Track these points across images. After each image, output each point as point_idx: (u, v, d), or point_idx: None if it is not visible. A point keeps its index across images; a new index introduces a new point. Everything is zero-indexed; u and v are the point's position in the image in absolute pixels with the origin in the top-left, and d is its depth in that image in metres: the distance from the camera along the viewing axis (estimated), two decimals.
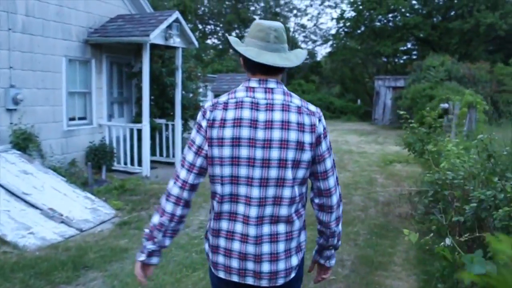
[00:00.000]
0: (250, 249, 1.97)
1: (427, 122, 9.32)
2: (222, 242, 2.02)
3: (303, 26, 44.60)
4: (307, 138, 1.97)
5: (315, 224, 2.29)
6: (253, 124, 1.94)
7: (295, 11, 43.40)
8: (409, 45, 38.91)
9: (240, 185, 1.96)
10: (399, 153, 14.72)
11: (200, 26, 45.82)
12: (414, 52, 39.15)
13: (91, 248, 5.35)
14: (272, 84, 2.02)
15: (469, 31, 32.37)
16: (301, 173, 2.00)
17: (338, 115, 33.86)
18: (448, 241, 2.88)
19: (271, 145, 1.93)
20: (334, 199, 2.11)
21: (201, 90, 12.47)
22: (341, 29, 39.32)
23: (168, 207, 2.05)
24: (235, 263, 2.00)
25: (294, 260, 2.05)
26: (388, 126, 27.86)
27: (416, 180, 8.47)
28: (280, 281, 2.02)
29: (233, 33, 45.86)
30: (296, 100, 2.03)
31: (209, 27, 47.30)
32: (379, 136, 21.62)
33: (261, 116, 1.95)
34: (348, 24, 38.14)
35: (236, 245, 1.99)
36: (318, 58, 46.45)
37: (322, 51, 71.36)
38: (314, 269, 2.36)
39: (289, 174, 1.96)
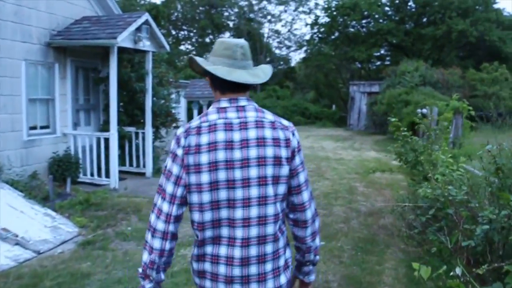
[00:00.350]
0: (236, 271, 1.92)
1: (421, 129, 8.89)
2: (208, 267, 1.97)
3: (277, 32, 44.32)
4: (284, 152, 1.96)
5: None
6: (229, 145, 1.91)
7: (269, 17, 43.04)
8: (382, 51, 39.05)
9: (221, 209, 1.91)
10: (378, 159, 14.50)
11: (173, 32, 45.31)
12: (388, 58, 39.32)
13: (48, 274, 4.77)
14: (243, 102, 1.99)
15: (441, 37, 32.65)
16: (281, 188, 1.97)
17: (313, 121, 33.60)
18: (458, 270, 2.44)
19: (249, 164, 1.90)
20: (309, 213, 2.08)
21: (173, 96, 11.92)
22: (315, 35, 39.22)
23: (156, 243, 1.96)
24: (222, 287, 1.94)
25: (283, 279, 2.02)
26: (364, 132, 27.73)
27: (400, 190, 8.13)
28: None
29: (207, 39, 45.55)
30: (269, 116, 2.01)
31: (182, 32, 46.76)
32: (355, 142, 21.37)
33: (236, 136, 1.92)
34: (322, 29, 38.09)
35: (222, 269, 1.93)
36: (293, 64, 46.32)
37: (296, 56, 71.49)
38: (296, 284, 2.30)
39: (270, 191, 1.93)
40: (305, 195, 2.06)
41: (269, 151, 1.92)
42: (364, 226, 6.99)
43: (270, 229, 1.95)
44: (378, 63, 40.49)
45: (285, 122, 2.04)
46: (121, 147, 9.56)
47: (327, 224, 6.96)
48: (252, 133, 1.93)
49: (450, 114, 9.93)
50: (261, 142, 1.92)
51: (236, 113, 1.96)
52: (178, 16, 45.56)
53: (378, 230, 6.74)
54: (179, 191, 1.93)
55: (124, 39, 8.67)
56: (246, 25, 41.49)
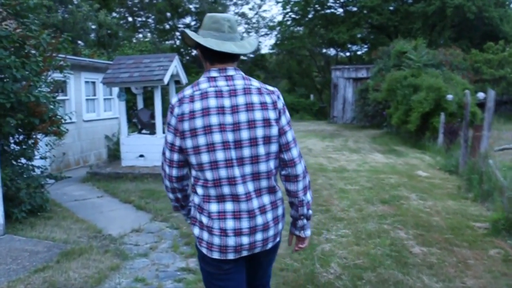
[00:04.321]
0: (245, 223, 2.10)
1: None
2: (215, 223, 2.10)
3: (243, 15, 39.40)
4: (272, 114, 2.10)
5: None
6: (220, 110, 2.06)
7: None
8: (359, 35, 34.58)
9: (219, 169, 2.06)
10: (393, 167, 9.96)
11: (130, 19, 40.34)
12: (366, 42, 34.99)
13: None
14: (231, 72, 2.14)
15: (433, 15, 28.44)
16: (273, 147, 2.13)
17: (289, 113, 28.95)
18: None
19: (240, 127, 2.05)
20: (299, 168, 2.21)
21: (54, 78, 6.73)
22: (287, 15, 34.48)
23: (170, 195, 2.32)
24: (231, 241, 2.10)
25: (280, 226, 2.23)
26: (352, 125, 23.28)
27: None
28: (270, 245, 2.21)
29: (167, 25, 40.73)
30: (255, 83, 2.17)
31: (140, 19, 41.77)
32: (348, 140, 16.81)
33: (226, 102, 2.07)
34: (295, 9, 33.43)
35: (230, 223, 2.09)
36: (263, 51, 41.57)
37: (267, 42, 66.86)
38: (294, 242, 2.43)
39: (261, 150, 2.09)
40: (294, 152, 2.19)
41: (258, 115, 2.07)
42: None
43: (264, 183, 2.14)
44: (354, 47, 36.39)
45: (270, 88, 2.20)
46: None
47: None
48: (241, 99, 2.08)
49: None
50: (250, 107, 2.08)
51: (225, 82, 2.11)
52: (135, 1, 40.68)
53: None
54: (175, 156, 2.14)
55: None
56: (209, 8, 36.48)
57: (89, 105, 11.33)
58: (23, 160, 5.89)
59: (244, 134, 2.05)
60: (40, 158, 6.19)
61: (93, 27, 27.13)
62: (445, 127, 12.68)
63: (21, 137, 5.67)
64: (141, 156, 9.22)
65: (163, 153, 2.20)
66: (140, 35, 40.24)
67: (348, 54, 37.64)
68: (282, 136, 2.14)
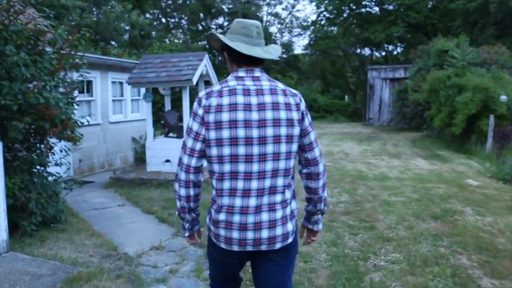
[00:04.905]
0: (250, 219, 2.15)
1: None
2: (222, 217, 2.19)
3: (276, 15, 38.63)
4: (295, 115, 2.19)
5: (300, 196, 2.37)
6: (247, 107, 2.14)
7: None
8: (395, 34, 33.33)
9: (239, 163, 2.13)
10: (439, 174, 9.07)
11: (163, 20, 40.35)
12: (399, 43, 33.68)
13: None
14: (257, 73, 2.24)
15: (475, 11, 27.08)
16: (294, 146, 2.21)
17: (323, 115, 28.11)
18: None
19: (266, 124, 2.13)
20: (321, 167, 2.34)
21: (73, 78, 6.13)
22: (321, 15, 33.53)
23: (182, 191, 2.25)
24: (235, 234, 2.17)
25: (290, 226, 2.23)
26: (389, 128, 22.26)
27: None
28: (278, 245, 2.21)
29: (199, 26, 40.43)
30: (280, 85, 2.26)
31: (173, 20, 41.77)
32: (386, 143, 15.90)
33: (253, 100, 2.16)
34: (330, 8, 32.47)
35: (237, 218, 2.16)
36: (296, 52, 40.73)
37: (300, 42, 65.90)
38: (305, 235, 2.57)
39: (283, 148, 2.16)
40: (317, 151, 2.31)
41: (283, 114, 2.16)
42: None
43: (280, 181, 2.19)
44: (390, 47, 35.17)
45: (293, 90, 2.29)
46: None
47: None
48: (268, 98, 2.17)
49: None
50: (275, 106, 2.16)
51: (252, 82, 2.20)
52: (168, 2, 40.65)
53: None
54: (198, 145, 2.18)
55: None
56: (242, 8, 35.91)
57: (116, 106, 10.85)
58: (36, 167, 5.37)
59: (269, 131, 2.13)
60: (55, 165, 5.65)
61: (126, 28, 26.98)
62: (495, 131, 11.66)
63: (32, 142, 5.13)
64: (167, 161, 8.64)
65: (184, 144, 2.23)
66: (176, 39, 40.14)
67: (383, 54, 36.45)
68: (306, 136, 2.27)
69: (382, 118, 23.82)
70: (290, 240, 2.24)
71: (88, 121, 5.88)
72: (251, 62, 2.22)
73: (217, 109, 2.11)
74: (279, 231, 2.18)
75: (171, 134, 9.23)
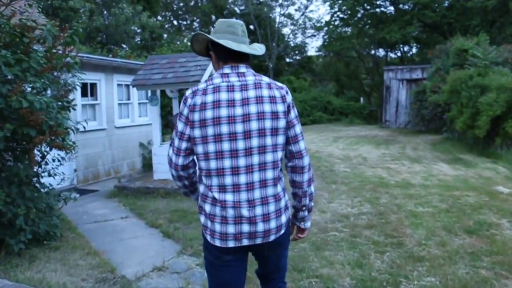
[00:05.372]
0: (245, 212, 2.16)
1: None
2: (217, 211, 2.19)
3: (289, 16, 38.00)
4: (280, 107, 2.21)
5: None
6: (231, 103, 2.16)
7: (280, 0, 36.75)
8: (412, 34, 32.53)
9: (224, 159, 2.15)
10: (465, 180, 8.40)
11: (175, 22, 40.14)
12: (414, 44, 32.91)
13: None
14: (242, 69, 2.27)
15: (493, 10, 26.26)
16: (280, 139, 2.23)
17: (338, 117, 27.44)
18: None
19: (250, 118, 2.15)
20: (306, 160, 2.33)
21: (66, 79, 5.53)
22: (335, 15, 32.87)
23: (178, 183, 2.41)
24: (231, 229, 2.17)
25: (283, 218, 2.27)
26: (406, 130, 21.53)
27: None
28: (272, 237, 2.24)
29: (211, 28, 40.03)
30: (265, 79, 2.29)
31: (184, 22, 41.51)
32: (404, 146, 15.24)
33: (237, 95, 2.18)
34: (343, 8, 31.82)
35: (230, 212, 2.17)
36: (309, 53, 40.09)
37: (313, 44, 65.12)
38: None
39: (268, 141, 2.18)
40: (302, 144, 2.32)
41: (267, 107, 2.18)
42: None
43: (269, 174, 2.20)
44: (406, 48, 34.40)
45: (279, 84, 2.31)
46: None
47: None
48: (251, 93, 2.19)
49: None
50: (259, 100, 2.19)
51: (237, 77, 2.23)
52: (180, 4, 40.40)
53: None
54: (183, 145, 2.23)
55: None
56: (255, 8, 35.36)
57: (122, 110, 10.37)
58: (26, 178, 4.86)
59: (254, 125, 2.15)
60: (48, 176, 5.14)
61: (138, 30, 26.60)
62: None
63: (18, 152, 4.61)
64: None
65: (171, 142, 2.29)
66: (185, 40, 39.80)
67: (398, 55, 35.70)
68: (291, 129, 2.27)
69: (399, 121, 23.10)
70: (283, 231, 2.28)
71: (84, 128, 5.35)
72: (238, 58, 2.26)
73: (201, 108, 2.14)
74: (273, 224, 2.21)
75: None
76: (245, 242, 2.18)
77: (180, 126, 2.21)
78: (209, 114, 2.13)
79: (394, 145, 15.80)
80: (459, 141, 15.82)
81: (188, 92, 2.23)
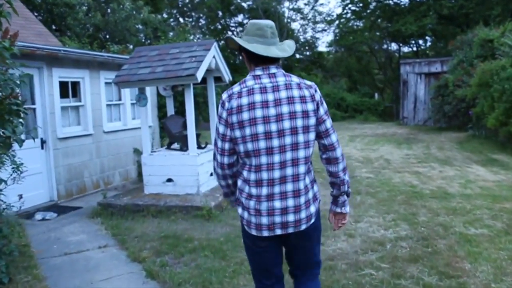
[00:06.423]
0: (277, 204, 2.31)
1: None
2: (252, 204, 2.36)
3: (298, 10, 36.59)
4: (310, 106, 2.33)
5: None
6: (264, 104, 2.29)
7: None
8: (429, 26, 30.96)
9: (261, 156, 2.30)
10: (510, 187, 7.17)
11: (181, 20, 38.91)
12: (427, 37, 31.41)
13: None
14: (273, 70, 2.38)
15: None
16: (311, 136, 2.35)
17: (352, 114, 26.05)
18: None
19: (283, 118, 2.28)
20: (339, 151, 2.45)
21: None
22: (347, 8, 31.44)
23: (222, 182, 2.54)
24: (265, 220, 2.33)
25: (312, 208, 2.40)
26: (425, 127, 20.11)
27: None
28: (303, 227, 2.38)
29: (218, 25, 38.84)
30: (295, 79, 2.40)
31: (191, 20, 40.27)
32: (428, 146, 13.88)
33: (270, 97, 2.30)
34: (355, 0, 30.38)
35: (264, 205, 2.32)
36: (320, 49, 38.68)
37: (324, 38, 63.55)
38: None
39: (301, 138, 2.31)
40: (333, 137, 2.43)
41: (298, 107, 2.30)
42: None
43: (301, 169, 2.34)
44: (420, 41, 32.87)
45: (308, 82, 2.41)
46: None
47: None
48: (283, 94, 2.31)
49: None
50: (291, 100, 2.30)
51: (268, 79, 2.35)
52: (185, 1, 39.20)
53: None
54: (227, 145, 2.38)
55: None
56: (263, 2, 34.00)
57: (112, 112, 9.11)
58: None
59: (286, 124, 2.28)
60: None
61: (140, 27, 25.39)
62: None
63: None
64: (169, 180, 6.83)
65: (215, 144, 2.45)
66: (192, 37, 38.59)
67: (412, 48, 34.17)
68: (322, 124, 2.39)
69: (418, 117, 21.66)
70: (313, 220, 2.41)
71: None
72: (267, 61, 2.36)
73: (237, 110, 2.29)
74: (303, 214, 2.35)
75: (174, 146, 7.42)
76: (278, 231, 2.34)
77: (221, 128, 2.36)
78: (245, 115, 2.28)
79: (416, 144, 14.43)
80: (487, 139, 14.43)
81: (224, 96, 2.36)
